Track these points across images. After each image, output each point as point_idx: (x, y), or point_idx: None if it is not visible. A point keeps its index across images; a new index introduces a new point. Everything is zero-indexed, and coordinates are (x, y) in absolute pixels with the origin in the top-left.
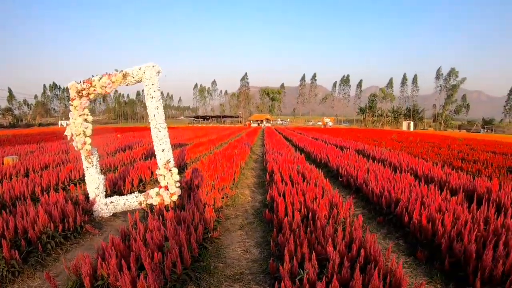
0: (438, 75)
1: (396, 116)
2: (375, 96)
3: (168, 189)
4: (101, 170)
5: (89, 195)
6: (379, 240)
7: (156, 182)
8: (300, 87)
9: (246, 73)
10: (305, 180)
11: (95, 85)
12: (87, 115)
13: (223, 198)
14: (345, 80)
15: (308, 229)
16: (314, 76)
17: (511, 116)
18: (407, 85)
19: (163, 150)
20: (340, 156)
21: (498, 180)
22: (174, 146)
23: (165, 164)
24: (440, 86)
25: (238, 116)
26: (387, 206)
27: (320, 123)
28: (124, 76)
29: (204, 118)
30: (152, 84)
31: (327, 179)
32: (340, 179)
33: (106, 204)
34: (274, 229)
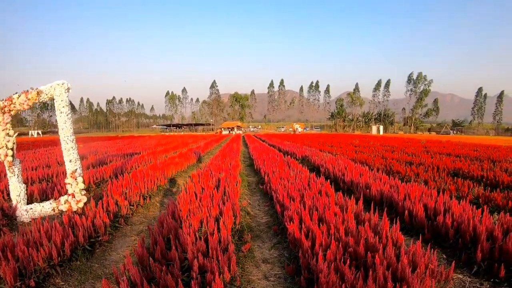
0: (409, 80)
1: (367, 120)
2: (342, 100)
3: (75, 197)
4: (44, 179)
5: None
6: (265, 250)
7: (87, 190)
8: (269, 94)
9: (214, 81)
10: (218, 187)
11: (15, 102)
12: (9, 129)
13: (132, 206)
14: (315, 86)
15: (178, 232)
16: (282, 82)
17: (480, 117)
18: (379, 90)
19: (70, 161)
20: (277, 163)
21: (424, 184)
22: (127, 155)
23: (72, 173)
24: (411, 90)
25: (210, 124)
26: (282, 214)
27: (290, 129)
28: (38, 93)
29: (177, 126)
30: (62, 100)
31: (258, 186)
32: (261, 186)
33: (26, 210)
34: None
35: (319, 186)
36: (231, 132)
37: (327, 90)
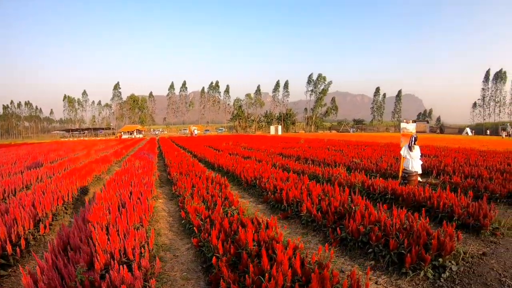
0: (309, 80)
1: (269, 121)
2: (240, 101)
3: None
4: None
5: None
6: None
7: None
8: (169, 96)
9: (118, 82)
10: None
11: None
12: None
13: None
14: (215, 86)
15: None
16: (184, 84)
17: (379, 115)
18: (279, 91)
19: None
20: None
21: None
22: None
23: None
24: (311, 91)
25: (110, 128)
26: None
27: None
28: None
29: (77, 131)
30: None
31: None
32: None
33: None
34: None
35: None
36: (130, 136)
37: (227, 91)
